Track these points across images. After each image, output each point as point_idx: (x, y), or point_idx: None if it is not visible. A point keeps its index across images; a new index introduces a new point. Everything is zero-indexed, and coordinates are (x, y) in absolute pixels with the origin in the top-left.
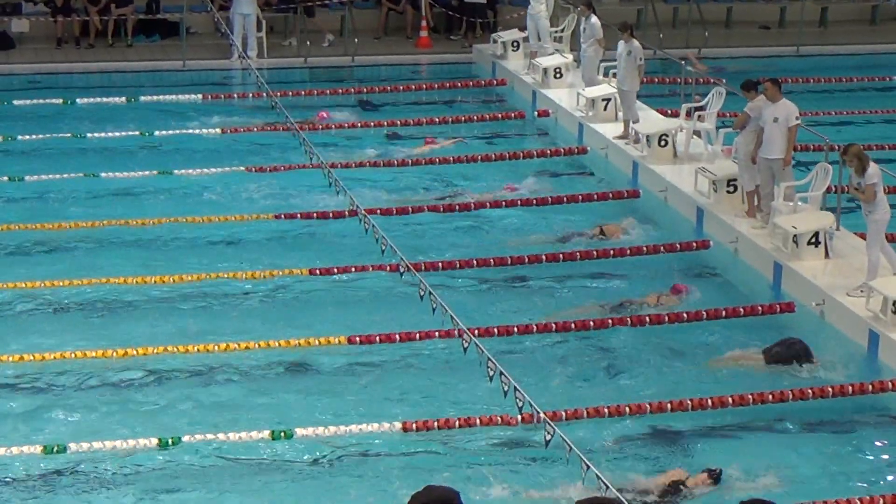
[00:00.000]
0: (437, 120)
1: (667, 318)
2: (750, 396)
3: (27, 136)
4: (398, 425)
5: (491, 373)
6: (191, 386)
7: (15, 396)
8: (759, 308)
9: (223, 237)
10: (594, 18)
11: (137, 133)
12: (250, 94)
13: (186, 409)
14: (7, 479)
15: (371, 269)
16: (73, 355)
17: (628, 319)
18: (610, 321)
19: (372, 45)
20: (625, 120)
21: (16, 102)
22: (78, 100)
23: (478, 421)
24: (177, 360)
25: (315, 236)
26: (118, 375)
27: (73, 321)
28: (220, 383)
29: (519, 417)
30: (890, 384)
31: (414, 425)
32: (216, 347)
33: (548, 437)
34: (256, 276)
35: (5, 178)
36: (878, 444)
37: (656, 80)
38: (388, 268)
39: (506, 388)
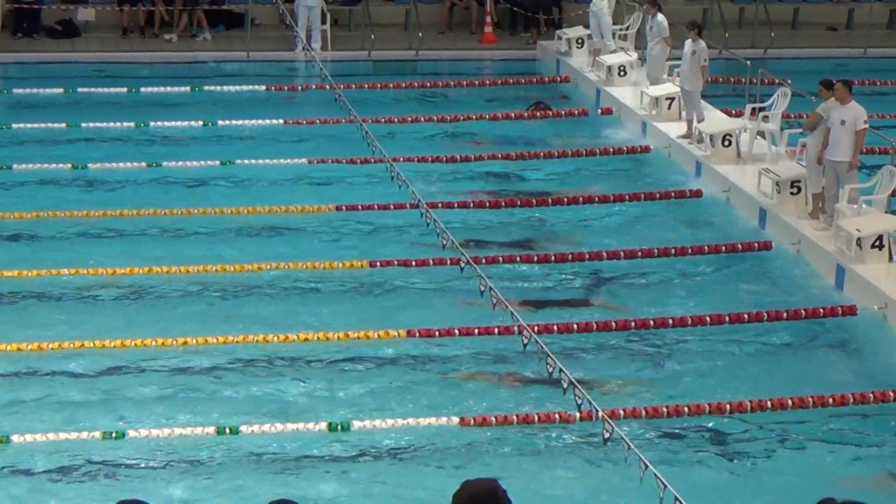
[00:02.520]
0: (499, 116)
1: (727, 319)
2: (810, 399)
3: (91, 124)
4: (456, 420)
5: (550, 369)
6: (250, 376)
7: (89, 383)
8: (821, 310)
9: (284, 228)
10: (660, 16)
11: (201, 123)
12: (313, 87)
13: (245, 399)
14: (67, 465)
15: (431, 262)
16: (133, 343)
17: (688, 319)
18: (670, 320)
19: (436, 40)
20: (688, 119)
21: (80, 90)
22: (142, 89)
23: (536, 417)
24: (238, 351)
25: (376, 229)
26: (185, 363)
27: (137, 309)
28: (277, 375)
29: (577, 415)
30: None
31: (472, 420)
32: (276, 338)
33: (606, 435)
34: (316, 267)
35: (69, 166)
36: None
37: (721, 80)
38: (448, 262)
39: (565, 386)
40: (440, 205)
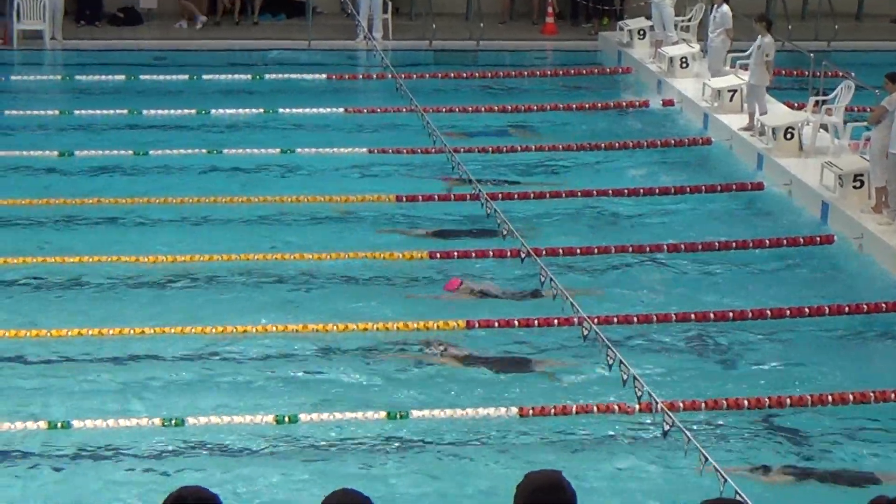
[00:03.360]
0: (560, 106)
1: (788, 313)
2: (871, 394)
3: (152, 111)
4: (515, 410)
5: (610, 361)
6: (308, 366)
7: (149, 369)
8: (884, 305)
9: (344, 217)
10: (725, 7)
11: (261, 111)
12: (374, 76)
13: (303, 388)
14: (127, 452)
15: (491, 253)
16: (193, 331)
17: (748, 312)
18: (730, 313)
19: (497, 30)
20: (750, 112)
21: (142, 77)
22: (203, 76)
23: (595, 408)
24: (297, 340)
25: (436, 219)
26: (243, 352)
27: (197, 297)
28: (338, 364)
29: (637, 406)
30: None
31: (531, 411)
32: (335, 328)
33: (666, 428)
34: (376, 257)
35: (130, 152)
36: None
37: (783, 72)
38: (508, 253)
39: (625, 377)
40: (500, 195)
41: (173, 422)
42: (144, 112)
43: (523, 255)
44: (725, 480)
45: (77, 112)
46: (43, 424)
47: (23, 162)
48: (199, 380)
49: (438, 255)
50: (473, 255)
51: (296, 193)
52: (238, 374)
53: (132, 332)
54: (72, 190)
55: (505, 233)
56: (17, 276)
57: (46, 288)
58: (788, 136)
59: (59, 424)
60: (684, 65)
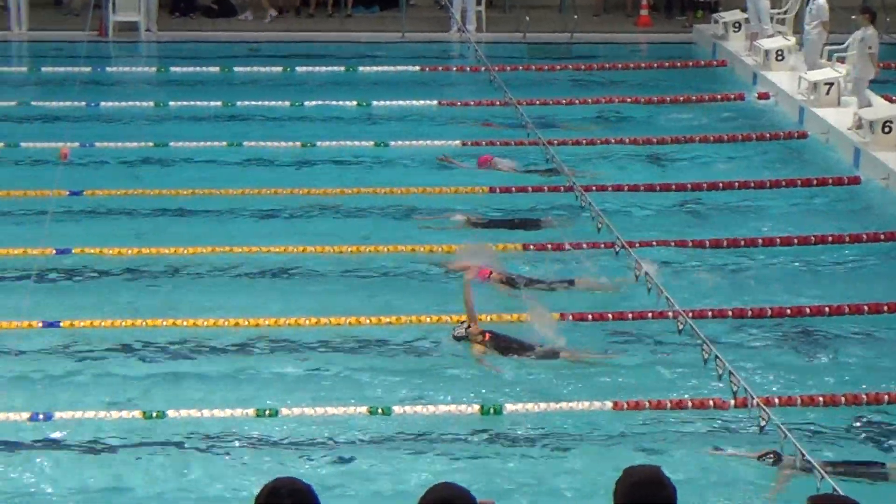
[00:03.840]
0: (654, 100)
1: (886, 308)
2: None
3: (246, 102)
4: (609, 404)
5: (706, 355)
6: (401, 358)
7: (241, 360)
8: None
9: (437, 209)
10: (822, 0)
11: (354, 103)
12: (468, 68)
13: (394, 380)
14: (222, 442)
15: (585, 246)
16: (287, 322)
17: (845, 307)
18: (826, 308)
19: (591, 23)
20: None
21: (236, 69)
22: (297, 68)
23: (689, 403)
24: (390, 332)
25: (530, 212)
26: (333, 342)
27: (289, 287)
28: (428, 355)
29: (732, 401)
30: None
31: (625, 404)
32: (428, 319)
33: (762, 424)
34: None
35: (224, 144)
36: None
37: (880, 65)
38: (602, 245)
39: (720, 372)
40: (594, 188)
41: (267, 412)
42: (238, 103)
43: (617, 248)
44: (822, 477)
45: (171, 103)
46: (138, 413)
47: (118, 153)
48: (295, 371)
49: (532, 247)
50: (567, 246)
51: (389, 185)
52: (329, 364)
53: (226, 322)
54: (166, 181)
55: (600, 226)
56: (112, 267)
57: (142, 278)
58: (886, 129)
59: (154, 414)
60: (780, 58)
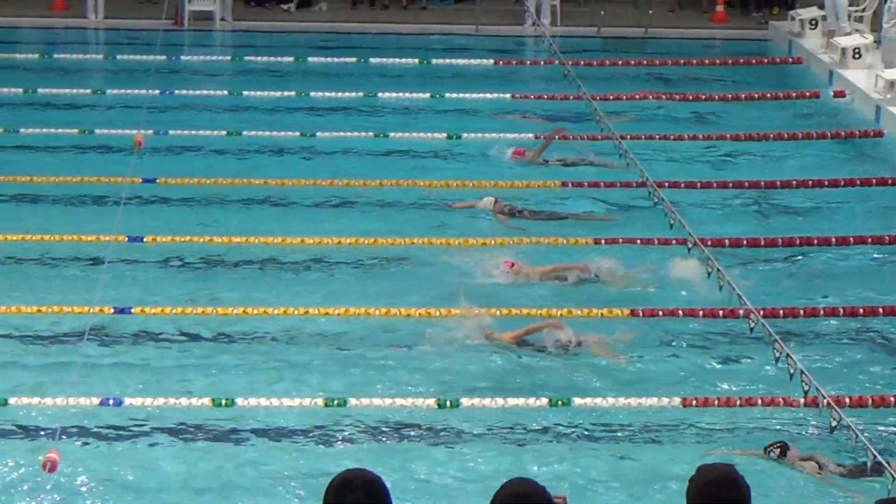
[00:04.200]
0: (729, 96)
1: None
2: None
3: (320, 94)
4: (678, 400)
5: (777, 354)
6: (471, 351)
7: (315, 350)
8: None
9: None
10: None
11: (427, 95)
12: (542, 62)
13: (466, 372)
14: (291, 431)
15: (656, 242)
16: (357, 312)
17: None
18: None
19: (666, 18)
20: None
21: (311, 60)
22: (371, 59)
23: (759, 401)
24: (462, 324)
25: (601, 206)
26: (406, 333)
27: (364, 278)
28: (496, 349)
29: (802, 400)
30: None
31: (694, 401)
32: (499, 312)
33: (833, 424)
34: (541, 242)
35: (297, 134)
36: None
37: None
38: (673, 242)
39: (791, 371)
40: (666, 184)
41: (336, 402)
42: (312, 94)
43: (690, 245)
44: (894, 479)
45: (245, 93)
46: (207, 401)
47: (191, 142)
48: (363, 361)
49: (603, 242)
50: (638, 241)
51: (461, 178)
52: (401, 356)
53: (296, 311)
54: (239, 170)
55: (672, 222)
56: (184, 255)
57: (214, 266)
58: None
59: (223, 402)
60: (857, 56)
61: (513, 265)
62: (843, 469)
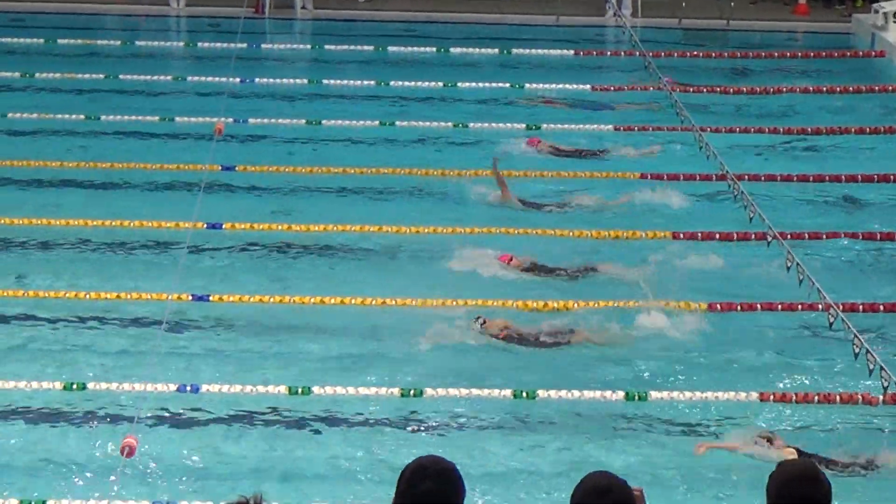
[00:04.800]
0: (810, 89)
1: None
2: None
3: (399, 83)
4: (755, 395)
5: (856, 349)
6: (549, 346)
7: (386, 339)
8: None
9: (588, 193)
10: None
11: (507, 85)
12: (622, 53)
13: (544, 364)
14: (364, 419)
15: (735, 236)
16: (422, 302)
17: None
18: None
19: (747, 10)
20: None
21: (390, 49)
22: (451, 49)
23: (837, 398)
24: (534, 317)
25: (680, 198)
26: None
27: (427, 267)
28: (574, 342)
29: (881, 397)
30: None
31: (771, 396)
32: (575, 305)
33: None
34: (619, 236)
35: (376, 123)
36: None
37: None
38: (752, 236)
39: (871, 367)
40: (746, 177)
41: (412, 392)
42: (392, 83)
43: (769, 239)
44: None
45: (325, 81)
46: (283, 389)
47: (270, 130)
48: (433, 351)
49: (682, 236)
50: (717, 236)
51: (539, 169)
52: (472, 348)
53: (374, 301)
54: (317, 159)
55: (751, 215)
56: (262, 243)
57: (292, 254)
58: None
59: (299, 390)
60: None
61: (511, 259)
62: (835, 465)
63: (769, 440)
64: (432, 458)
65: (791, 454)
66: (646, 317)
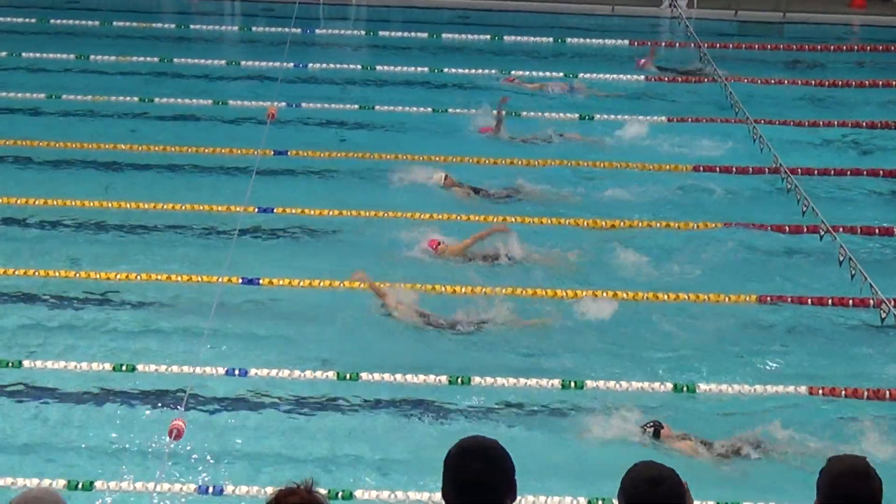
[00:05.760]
0: (866, 83)
1: None
2: None
3: (454, 70)
4: (804, 389)
5: None
6: (621, 341)
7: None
8: None
9: (639, 185)
10: None
11: (562, 75)
12: (677, 44)
13: (626, 356)
14: (410, 403)
15: (788, 229)
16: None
17: None
18: None
19: (804, 3)
20: None
21: (444, 36)
22: (505, 37)
23: (887, 394)
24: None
25: (733, 192)
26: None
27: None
28: (643, 338)
29: None
30: None
31: (820, 390)
32: (645, 296)
33: None
34: (670, 226)
35: (429, 109)
36: None
37: None
38: (805, 230)
39: None
40: (800, 170)
41: (460, 380)
42: (445, 70)
43: (822, 232)
44: None
45: (378, 68)
46: (332, 374)
47: (323, 115)
48: (500, 342)
49: (733, 225)
50: (769, 228)
51: (593, 160)
52: (526, 343)
53: (423, 287)
54: (369, 144)
55: (805, 209)
56: (313, 227)
57: (342, 240)
58: None
59: (347, 376)
60: None
61: (438, 244)
62: (721, 449)
63: (656, 429)
64: (477, 439)
65: (683, 444)
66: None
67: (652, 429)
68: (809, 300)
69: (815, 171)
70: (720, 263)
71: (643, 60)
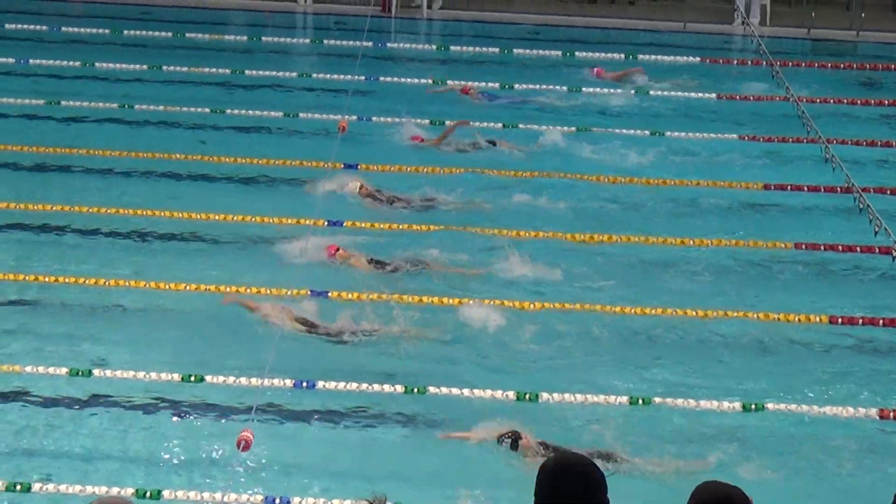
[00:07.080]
0: None
1: None
2: None
3: (523, 86)
4: (874, 412)
5: None
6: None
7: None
8: None
9: (709, 202)
10: None
11: (632, 92)
12: (749, 62)
13: (678, 368)
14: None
15: (859, 249)
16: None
17: None
18: None
19: (879, 21)
20: None
21: (515, 51)
22: (577, 53)
23: None
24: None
25: (803, 210)
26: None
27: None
28: (699, 350)
29: None
30: None
31: (892, 414)
32: (696, 313)
33: None
34: (739, 245)
35: (500, 125)
36: None
37: None
38: (876, 250)
39: None
40: (872, 190)
41: (527, 396)
42: (516, 86)
43: (895, 253)
44: None
45: (450, 82)
46: (400, 388)
47: (394, 129)
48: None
49: (804, 247)
50: (840, 248)
51: (663, 177)
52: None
53: (507, 302)
54: (439, 160)
55: (877, 229)
56: (382, 240)
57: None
58: None
59: (415, 389)
60: None
61: (337, 250)
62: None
63: (514, 440)
64: (573, 456)
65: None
66: None
67: (510, 439)
68: (881, 321)
69: (888, 191)
70: (793, 284)
71: (598, 69)
